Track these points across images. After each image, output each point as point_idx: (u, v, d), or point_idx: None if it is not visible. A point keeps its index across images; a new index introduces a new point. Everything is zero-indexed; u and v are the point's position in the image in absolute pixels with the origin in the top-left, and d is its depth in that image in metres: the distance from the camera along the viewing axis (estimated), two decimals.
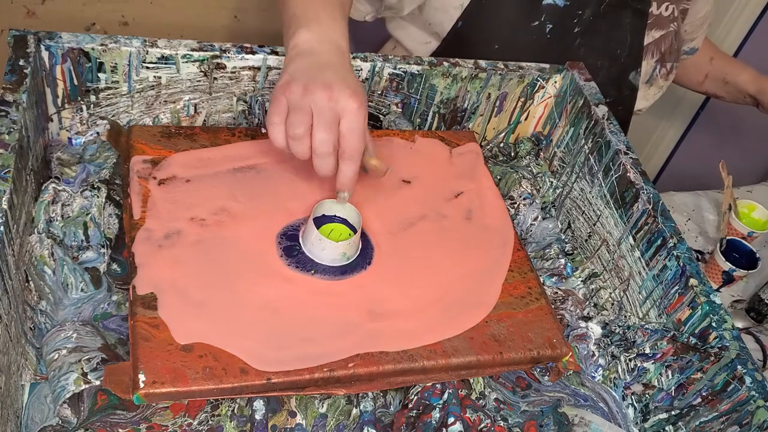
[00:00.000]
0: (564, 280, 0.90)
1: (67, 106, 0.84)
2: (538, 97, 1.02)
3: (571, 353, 0.77)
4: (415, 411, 0.71)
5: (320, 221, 0.78)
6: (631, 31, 1.12)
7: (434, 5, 1.10)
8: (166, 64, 0.83)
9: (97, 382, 0.65)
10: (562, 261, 0.92)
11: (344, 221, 0.79)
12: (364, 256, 0.78)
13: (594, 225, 0.93)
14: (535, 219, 0.95)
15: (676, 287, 0.79)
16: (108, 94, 0.84)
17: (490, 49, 0.93)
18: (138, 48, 0.82)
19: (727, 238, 1.10)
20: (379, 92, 0.95)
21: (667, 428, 0.77)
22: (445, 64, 0.95)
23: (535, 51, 1.01)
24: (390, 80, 0.94)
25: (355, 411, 0.72)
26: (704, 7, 1.22)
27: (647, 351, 0.80)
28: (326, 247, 0.74)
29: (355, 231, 0.78)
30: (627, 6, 1.11)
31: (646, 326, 0.82)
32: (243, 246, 0.74)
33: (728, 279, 1.07)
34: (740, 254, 1.09)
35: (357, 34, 1.70)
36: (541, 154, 1.05)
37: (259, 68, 0.87)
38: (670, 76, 1.23)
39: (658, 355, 0.79)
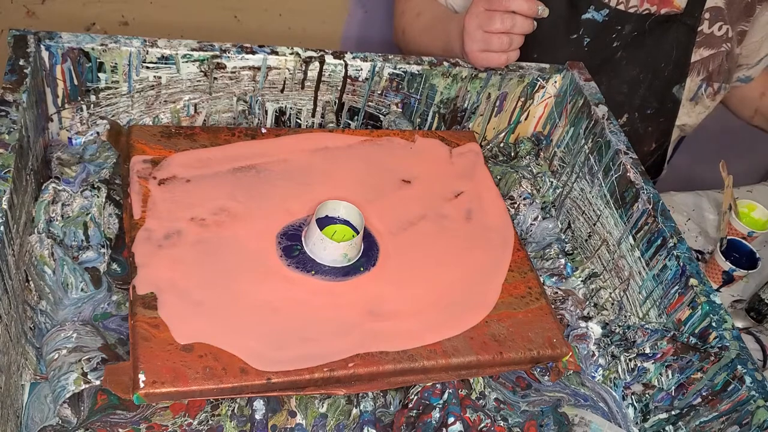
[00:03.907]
0: (564, 280, 0.90)
1: (67, 106, 0.84)
2: (538, 97, 1.02)
3: (571, 353, 0.77)
4: (415, 411, 0.71)
5: (323, 222, 0.78)
6: (677, 45, 1.12)
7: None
8: (166, 64, 0.84)
9: (97, 382, 0.65)
10: (562, 261, 0.92)
11: (347, 222, 0.79)
12: (369, 257, 0.78)
13: (594, 225, 0.93)
14: (535, 219, 0.95)
15: (676, 287, 0.79)
16: (108, 94, 0.84)
17: (529, 58, 0.95)
18: (138, 48, 0.82)
19: (727, 238, 1.10)
20: (379, 92, 0.95)
21: (667, 428, 0.77)
22: (445, 64, 0.95)
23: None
24: (390, 80, 0.94)
25: (355, 411, 0.72)
26: (759, 32, 1.19)
27: (647, 351, 0.80)
28: (327, 248, 0.74)
29: (358, 233, 0.78)
30: (675, 21, 1.10)
31: (646, 326, 0.82)
32: (243, 246, 0.74)
33: (728, 279, 1.07)
34: (740, 254, 1.09)
35: (358, 33, 1.70)
36: (541, 154, 1.05)
37: (259, 68, 0.87)
38: (718, 96, 1.21)
39: (658, 355, 0.79)
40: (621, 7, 1.10)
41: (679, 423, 0.76)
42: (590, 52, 1.11)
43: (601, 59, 1.08)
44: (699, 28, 1.12)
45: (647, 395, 0.79)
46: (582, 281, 0.91)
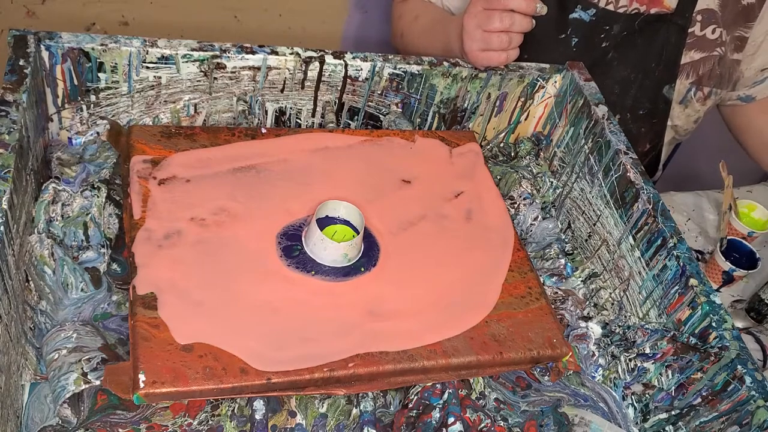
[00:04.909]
0: (564, 280, 0.90)
1: (67, 106, 0.84)
2: (538, 97, 1.02)
3: (571, 353, 0.77)
4: (415, 411, 0.71)
5: (323, 222, 0.78)
6: (667, 45, 1.11)
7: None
8: (166, 64, 0.84)
9: (97, 382, 0.65)
10: (562, 261, 0.92)
11: (347, 222, 0.79)
12: (370, 257, 0.77)
13: (594, 225, 0.93)
14: (535, 219, 0.95)
15: (676, 287, 0.79)
16: (108, 94, 0.84)
17: (521, 59, 0.95)
18: (138, 48, 0.82)
19: (727, 238, 1.10)
20: (379, 92, 0.95)
21: (667, 428, 0.77)
22: (445, 64, 0.95)
23: (564, 63, 1.01)
24: (390, 80, 0.94)
25: (355, 411, 0.72)
26: (758, 38, 1.15)
27: (647, 351, 0.80)
28: (328, 248, 0.74)
29: (358, 233, 0.78)
30: (665, 21, 1.10)
31: (646, 326, 0.82)
32: (243, 246, 0.74)
33: (728, 279, 1.07)
34: (740, 254, 1.09)
35: (357, 34, 1.70)
36: (541, 154, 1.05)
37: (259, 68, 0.87)
38: (708, 101, 1.19)
39: (658, 355, 0.79)
40: (610, 7, 1.09)
41: (679, 423, 0.76)
42: (579, 52, 1.11)
43: (590, 59, 1.08)
44: (690, 30, 1.11)
45: (647, 395, 0.79)
46: (582, 281, 0.91)
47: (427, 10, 1.17)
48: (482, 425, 0.72)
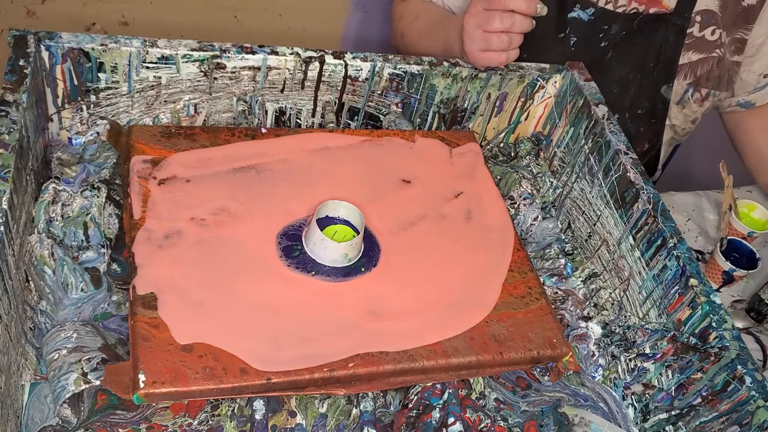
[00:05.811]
0: (564, 280, 0.90)
1: (67, 106, 0.84)
2: (538, 97, 1.02)
3: (571, 353, 0.77)
4: (415, 411, 0.71)
5: (323, 222, 0.78)
6: (666, 45, 1.11)
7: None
8: (166, 64, 0.84)
9: (97, 382, 0.65)
10: (562, 261, 0.92)
11: (347, 222, 0.79)
12: (370, 257, 0.77)
13: (594, 225, 0.93)
14: (535, 219, 0.95)
15: (676, 287, 0.79)
16: (108, 94, 0.84)
17: (519, 58, 0.95)
18: (138, 48, 0.82)
19: (727, 238, 1.10)
20: (379, 92, 0.95)
21: (667, 428, 0.77)
22: (445, 64, 0.95)
23: (563, 62, 1.01)
24: (390, 80, 0.94)
25: (355, 411, 0.72)
26: (757, 39, 1.14)
27: (647, 351, 0.80)
28: (328, 248, 0.74)
29: (358, 233, 0.78)
30: (664, 20, 1.10)
31: (646, 326, 0.82)
32: (243, 246, 0.74)
33: (728, 279, 1.07)
34: (740, 254, 1.09)
35: (357, 33, 1.70)
36: (541, 154, 1.05)
37: (259, 68, 0.87)
38: (706, 102, 1.19)
39: (658, 355, 0.79)
40: (609, 6, 1.09)
41: (679, 423, 0.76)
42: (577, 51, 1.11)
43: (589, 59, 1.07)
44: (689, 30, 1.11)
45: (647, 395, 0.79)
46: (582, 281, 0.91)
47: (427, 10, 1.17)
48: (482, 425, 0.72)
